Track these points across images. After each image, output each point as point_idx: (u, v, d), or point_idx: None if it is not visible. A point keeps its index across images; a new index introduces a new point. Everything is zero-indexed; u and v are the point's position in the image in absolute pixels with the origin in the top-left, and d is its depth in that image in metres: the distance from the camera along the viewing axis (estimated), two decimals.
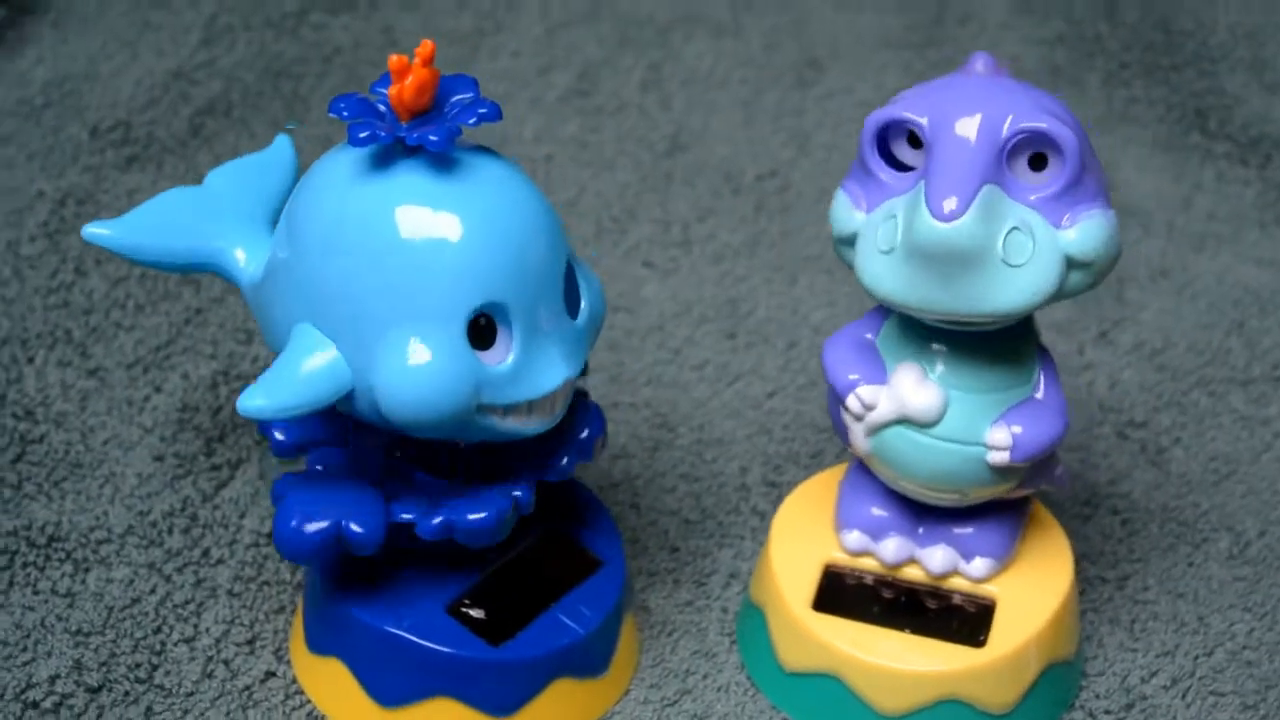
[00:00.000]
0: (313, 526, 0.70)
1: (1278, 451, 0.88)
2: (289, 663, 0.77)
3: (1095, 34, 1.13)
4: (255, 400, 0.68)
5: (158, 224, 0.76)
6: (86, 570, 0.80)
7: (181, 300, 0.93)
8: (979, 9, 1.15)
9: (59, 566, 0.80)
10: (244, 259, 0.74)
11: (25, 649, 0.77)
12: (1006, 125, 0.68)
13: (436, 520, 0.71)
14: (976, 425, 0.72)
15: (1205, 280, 0.97)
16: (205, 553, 0.81)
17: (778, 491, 0.85)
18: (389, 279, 0.68)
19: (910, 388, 0.72)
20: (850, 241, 0.71)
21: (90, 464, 0.85)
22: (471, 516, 0.70)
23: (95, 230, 0.75)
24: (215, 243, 0.75)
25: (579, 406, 0.74)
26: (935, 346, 0.72)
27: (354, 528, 0.70)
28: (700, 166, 1.03)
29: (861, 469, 0.77)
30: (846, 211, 0.71)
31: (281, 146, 0.79)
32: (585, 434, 0.74)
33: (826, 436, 0.88)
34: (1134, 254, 0.99)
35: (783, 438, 0.88)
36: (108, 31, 1.10)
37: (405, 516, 0.71)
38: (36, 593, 0.79)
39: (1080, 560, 0.83)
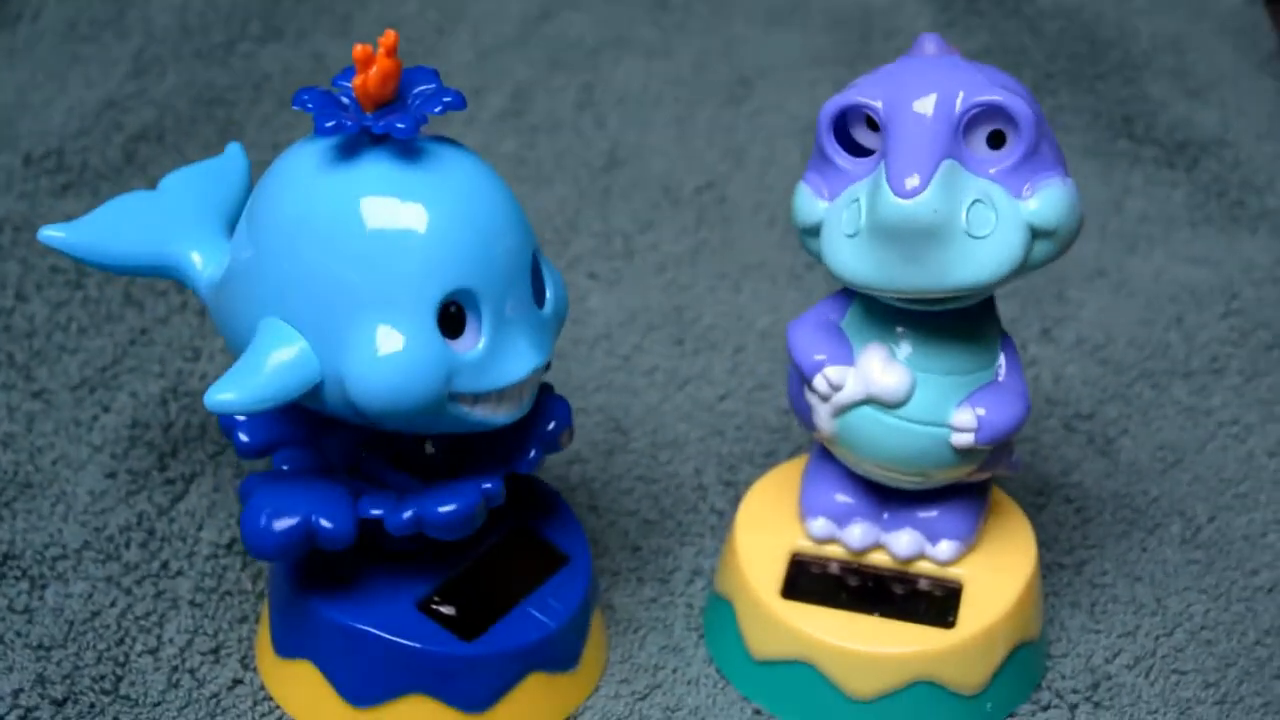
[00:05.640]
0: (282, 523, 0.69)
1: (1222, 440, 0.89)
2: (255, 670, 0.77)
3: (1020, 45, 1.14)
4: (224, 394, 0.67)
5: (113, 227, 0.76)
6: (44, 586, 0.79)
7: (125, 321, 0.93)
8: (904, 24, 1.16)
9: (15, 584, 0.79)
10: (200, 262, 0.74)
11: None
12: (959, 100, 0.69)
13: (406, 514, 0.70)
14: (942, 407, 0.72)
15: (1141, 279, 0.99)
16: (164, 565, 0.81)
17: (734, 490, 0.85)
18: (358, 268, 0.67)
19: (878, 368, 0.72)
20: (814, 231, 0.72)
21: (40, 483, 0.84)
22: (441, 509, 0.70)
23: (51, 233, 0.75)
24: (171, 246, 0.75)
25: (544, 398, 0.74)
26: (900, 329, 0.73)
27: (324, 523, 0.69)
28: (638, 181, 1.04)
29: (823, 457, 0.77)
30: (809, 202, 0.72)
31: (234, 154, 0.79)
32: (552, 426, 0.74)
33: (780, 436, 0.88)
34: (1071, 255, 1.00)
35: (736, 438, 0.88)
36: (35, 63, 1.10)
37: (375, 512, 0.70)
38: None
39: (1038, 547, 0.83)
